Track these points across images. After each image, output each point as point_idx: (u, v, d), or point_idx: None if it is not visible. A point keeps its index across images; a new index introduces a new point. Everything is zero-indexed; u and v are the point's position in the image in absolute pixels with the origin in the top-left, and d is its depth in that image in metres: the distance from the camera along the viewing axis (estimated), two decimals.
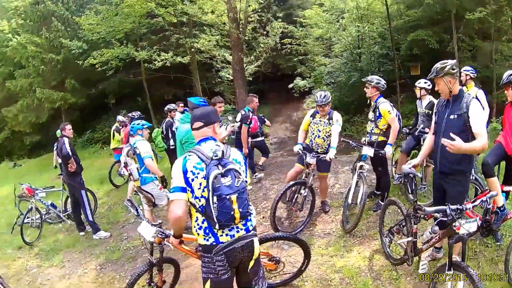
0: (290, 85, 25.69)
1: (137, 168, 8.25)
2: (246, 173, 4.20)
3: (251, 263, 4.23)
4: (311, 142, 8.28)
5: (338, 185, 10.21)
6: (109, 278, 7.69)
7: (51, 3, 25.77)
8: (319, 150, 8.18)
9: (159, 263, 5.55)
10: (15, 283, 8.02)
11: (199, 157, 3.94)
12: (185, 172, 3.91)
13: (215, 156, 3.88)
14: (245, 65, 20.07)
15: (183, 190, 3.92)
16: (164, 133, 12.36)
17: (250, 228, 4.14)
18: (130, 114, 12.45)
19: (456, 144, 4.51)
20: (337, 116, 8.02)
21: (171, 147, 12.04)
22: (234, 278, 4.29)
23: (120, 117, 14.73)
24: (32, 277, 8.29)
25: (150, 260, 5.49)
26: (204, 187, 3.85)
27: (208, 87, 26.48)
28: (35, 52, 24.98)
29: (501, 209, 6.06)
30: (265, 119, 12.30)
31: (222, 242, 3.95)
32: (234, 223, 3.88)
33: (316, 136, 8.18)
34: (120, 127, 14.48)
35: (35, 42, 25.02)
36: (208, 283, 4.08)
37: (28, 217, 10.30)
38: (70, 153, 9.44)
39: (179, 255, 6.73)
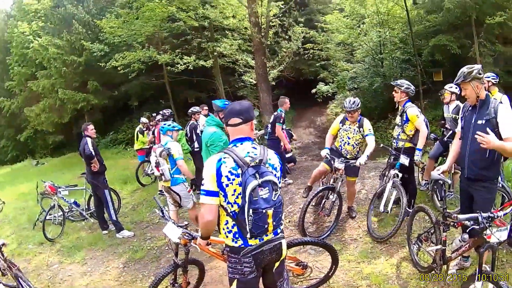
0: (313, 90, 25.61)
1: (168, 169, 8.25)
2: (280, 178, 4.01)
3: (277, 264, 4.13)
4: (340, 148, 8.27)
5: (364, 191, 10.11)
6: (132, 277, 7.68)
7: (72, 6, 26.16)
8: (348, 156, 8.17)
9: (184, 264, 5.53)
10: (35, 278, 8.05)
11: (235, 161, 3.68)
12: (219, 176, 3.67)
13: (252, 161, 3.67)
14: (268, 69, 20.05)
15: (216, 194, 3.71)
16: (189, 135, 12.41)
17: (279, 231, 3.98)
18: (161, 112, 12.61)
19: (489, 138, 4.49)
20: (368, 124, 8.03)
21: (195, 149, 12.09)
22: (261, 277, 4.19)
23: (143, 119, 14.94)
24: (53, 272, 8.32)
25: (175, 261, 5.48)
26: (239, 194, 3.65)
27: (231, 91, 26.57)
28: (57, 54, 25.27)
29: None
30: (293, 133, 12.48)
31: (251, 245, 3.82)
32: (266, 234, 3.79)
33: (345, 143, 8.17)
34: (144, 129, 14.66)
35: (56, 44, 25.31)
36: (234, 283, 3.99)
37: (50, 214, 10.39)
38: (93, 153, 9.47)
39: (204, 256, 6.72)
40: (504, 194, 7.09)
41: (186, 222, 5.73)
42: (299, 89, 27.22)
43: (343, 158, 8.04)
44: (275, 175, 3.83)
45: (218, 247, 5.36)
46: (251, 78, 23.43)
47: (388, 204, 7.73)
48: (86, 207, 11.43)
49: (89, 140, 9.60)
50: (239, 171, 3.66)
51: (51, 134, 30.39)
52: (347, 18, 24.67)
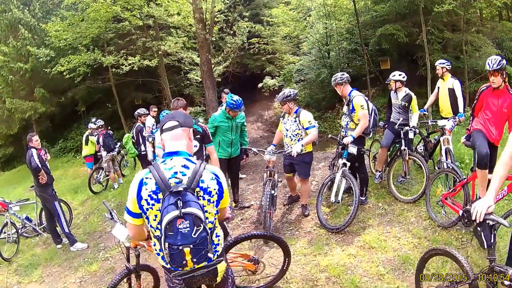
0: (260, 85, 25.59)
1: (152, 152, 8.73)
2: (219, 202, 3.45)
3: (217, 281, 3.72)
4: (284, 142, 8.27)
5: (315, 182, 10.19)
6: None
7: (18, 10, 25.53)
8: (289, 150, 7.96)
9: (136, 269, 5.28)
10: None
11: (157, 183, 3.20)
12: (139, 199, 3.25)
13: (177, 183, 3.16)
14: (213, 66, 19.91)
15: (136, 216, 3.38)
16: (135, 138, 12.19)
17: (214, 258, 3.54)
18: (93, 121, 12.40)
19: None
20: (306, 116, 7.89)
21: (142, 153, 11.90)
22: None
23: (91, 125, 14.71)
24: None
25: (127, 267, 5.23)
26: (160, 221, 3.13)
27: (177, 90, 26.21)
28: (3, 62, 24.86)
29: None
30: None
31: (180, 270, 3.41)
32: (186, 267, 3.31)
33: (285, 135, 8.17)
34: (93, 135, 14.42)
35: (3, 51, 24.83)
36: None
37: (4, 232, 9.98)
38: (39, 165, 9.17)
39: (158, 263, 6.46)
40: (455, 176, 7.07)
41: None
42: (245, 84, 27.14)
43: (273, 149, 8.08)
44: (208, 200, 3.34)
45: None
46: (197, 76, 23.34)
47: (339, 193, 7.73)
48: (39, 221, 11.08)
49: (34, 151, 9.31)
50: (160, 195, 3.19)
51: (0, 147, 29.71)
52: (293, 11, 24.59)
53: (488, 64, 6.01)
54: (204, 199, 3.28)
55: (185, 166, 3.31)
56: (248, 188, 10.78)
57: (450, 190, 6.89)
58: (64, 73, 21.63)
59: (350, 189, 8.12)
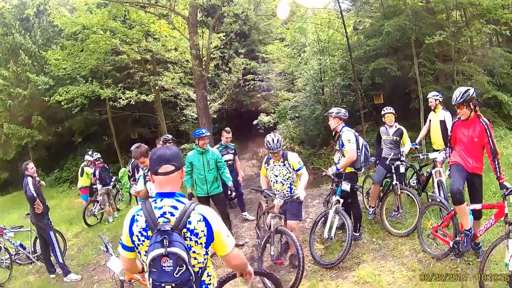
0: (255, 122, 25.49)
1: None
2: (209, 245, 3.44)
3: None
4: (271, 189, 8.01)
5: (309, 219, 10.20)
6: None
7: (19, 35, 25.63)
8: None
9: None
10: None
11: (146, 221, 3.30)
12: (131, 234, 3.39)
13: (164, 222, 3.23)
14: (209, 102, 20.01)
15: (130, 249, 3.49)
16: (131, 173, 12.21)
17: None
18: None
19: None
20: (294, 157, 7.76)
21: None
22: None
23: (88, 157, 14.79)
24: None
25: None
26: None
27: (173, 126, 26.28)
28: (3, 86, 24.89)
29: (469, 231, 6.13)
30: None
31: None
32: None
33: (274, 182, 7.91)
34: (88, 166, 14.49)
35: (3, 75, 24.92)
36: None
37: None
38: (35, 194, 9.20)
39: None
40: (442, 208, 7.28)
41: None
42: (241, 121, 27.22)
43: (282, 193, 7.64)
44: (196, 241, 3.35)
45: None
46: (193, 112, 23.44)
47: (332, 230, 7.77)
48: (32, 249, 11.04)
49: (30, 180, 9.36)
50: (150, 233, 3.28)
51: None
52: (288, 48, 24.89)
53: (453, 97, 6.14)
54: (191, 240, 3.32)
55: (174, 207, 3.37)
56: (243, 225, 10.79)
57: (440, 223, 6.97)
58: (62, 103, 21.62)
59: (344, 225, 8.17)
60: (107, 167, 14.56)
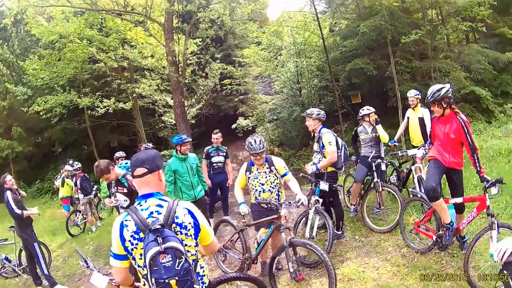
0: (234, 126, 25.50)
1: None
2: (197, 235, 3.58)
3: None
4: (256, 200, 7.21)
5: (290, 220, 10.10)
6: None
7: None
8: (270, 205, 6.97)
9: None
10: None
11: (136, 224, 3.35)
12: (122, 240, 3.39)
13: (154, 222, 3.28)
14: (186, 108, 19.99)
15: (122, 258, 3.48)
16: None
17: None
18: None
19: None
20: (279, 161, 7.17)
21: None
22: None
23: (67, 166, 14.68)
24: None
25: None
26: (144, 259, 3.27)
27: (152, 133, 26.29)
28: None
29: (450, 224, 6.23)
30: None
31: None
32: None
33: (260, 191, 7.13)
34: (69, 176, 14.38)
35: None
36: None
37: None
38: (19, 212, 9.04)
39: None
40: (423, 203, 7.38)
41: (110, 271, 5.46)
42: (219, 125, 27.16)
43: (287, 202, 6.69)
44: (186, 234, 3.47)
45: None
46: (171, 118, 23.45)
47: (313, 229, 7.77)
48: (18, 262, 10.90)
49: (9, 194, 9.15)
50: (142, 234, 3.32)
51: None
52: (265, 51, 24.93)
53: (426, 96, 6.24)
54: (181, 233, 3.41)
55: (159, 205, 3.46)
56: (225, 229, 10.74)
57: (422, 218, 7.03)
58: (41, 113, 21.58)
59: (325, 224, 8.20)
60: (87, 176, 14.43)
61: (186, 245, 3.40)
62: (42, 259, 9.26)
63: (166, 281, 3.15)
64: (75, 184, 14.01)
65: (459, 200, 6.23)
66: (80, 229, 14.23)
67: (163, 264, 3.15)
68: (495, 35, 21.18)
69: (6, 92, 24.61)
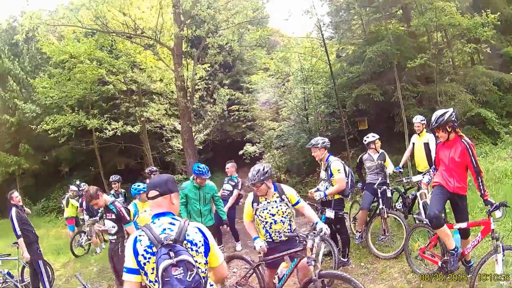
0: (240, 152, 25.33)
1: None
2: (207, 254, 3.72)
3: None
4: (267, 234, 6.57)
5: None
6: None
7: (8, 60, 25.70)
8: (282, 237, 6.53)
9: None
10: None
11: (150, 239, 3.50)
12: (136, 254, 3.52)
13: (166, 239, 3.42)
14: (194, 133, 20.09)
15: (135, 272, 3.55)
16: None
17: None
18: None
19: None
20: (290, 190, 6.66)
21: None
22: None
23: (73, 187, 14.78)
24: None
25: None
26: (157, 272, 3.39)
27: (159, 157, 26.22)
28: None
29: (455, 250, 6.19)
30: None
31: None
32: None
33: (271, 223, 6.49)
34: (74, 197, 14.42)
35: None
36: None
37: None
38: (19, 233, 8.96)
39: None
40: (428, 229, 7.26)
41: None
42: (226, 151, 27.22)
43: (315, 233, 6.13)
44: (196, 251, 3.62)
45: None
46: (178, 143, 23.51)
47: (318, 257, 7.70)
48: (20, 278, 10.77)
49: (14, 211, 9.12)
50: (154, 249, 3.47)
51: None
52: (272, 77, 25.03)
53: (431, 122, 6.24)
54: (192, 250, 3.54)
55: (171, 223, 3.63)
56: (236, 265, 10.72)
57: (427, 244, 7.01)
58: (49, 132, 21.60)
59: (331, 252, 8.17)
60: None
61: (196, 261, 3.48)
62: (46, 277, 9.23)
63: None
64: (81, 205, 14.02)
65: (463, 225, 6.21)
66: (85, 250, 14.20)
67: (175, 276, 3.25)
68: (500, 55, 21.16)
69: (15, 109, 24.66)
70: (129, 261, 3.55)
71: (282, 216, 6.45)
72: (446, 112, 6.07)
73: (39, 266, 9.17)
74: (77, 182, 15.45)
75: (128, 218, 7.39)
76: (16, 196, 9.46)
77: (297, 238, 6.07)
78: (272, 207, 6.43)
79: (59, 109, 22.60)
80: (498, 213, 5.75)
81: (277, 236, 6.49)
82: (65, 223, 16.09)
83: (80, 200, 14.21)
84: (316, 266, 5.77)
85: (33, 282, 9.56)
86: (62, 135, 22.28)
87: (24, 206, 10.34)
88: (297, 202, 6.53)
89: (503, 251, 5.64)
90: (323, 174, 8.37)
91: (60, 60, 21.36)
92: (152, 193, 3.76)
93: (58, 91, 21.20)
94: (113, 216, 7.35)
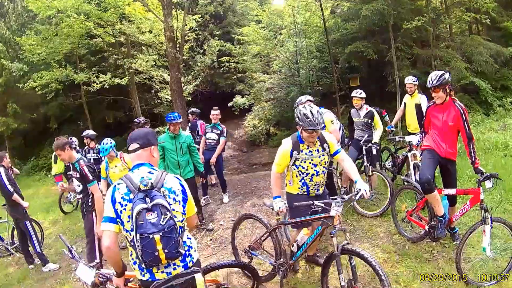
0: (230, 104, 25.38)
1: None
2: (185, 203, 3.81)
3: None
4: (304, 186, 5.93)
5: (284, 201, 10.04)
6: None
7: None
8: (319, 192, 6.05)
9: None
10: None
11: (127, 186, 3.61)
12: (113, 202, 3.62)
13: (144, 185, 3.50)
14: (183, 85, 19.91)
15: (113, 220, 3.63)
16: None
17: (190, 264, 3.80)
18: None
19: None
20: (329, 136, 6.02)
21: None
22: None
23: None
24: None
25: None
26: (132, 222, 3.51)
27: (147, 109, 26.04)
28: None
29: (443, 217, 6.18)
30: None
31: (158, 279, 3.66)
32: (161, 264, 3.54)
33: (313, 174, 5.84)
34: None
35: None
36: None
37: None
38: (11, 189, 8.98)
39: None
40: (416, 192, 7.20)
41: (97, 261, 5.36)
42: (215, 103, 27.08)
43: (339, 200, 5.25)
44: (174, 199, 3.72)
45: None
46: (167, 95, 23.28)
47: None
48: (11, 241, 10.75)
49: (2, 170, 9.09)
50: (131, 196, 3.56)
51: None
52: (264, 30, 24.66)
53: (429, 80, 6.12)
54: (169, 197, 3.66)
55: (150, 173, 3.77)
56: (218, 208, 10.71)
57: (414, 207, 6.97)
58: (37, 89, 21.49)
59: None
60: (81, 152, 14.29)
61: (173, 209, 3.62)
62: (34, 236, 9.18)
63: (151, 236, 3.36)
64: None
65: (452, 191, 6.18)
66: (73, 206, 14.14)
67: (149, 220, 3.38)
68: (499, 28, 20.98)
69: (2, 69, 24.24)
70: (108, 210, 3.64)
71: (324, 167, 5.91)
72: (445, 73, 6.01)
73: (27, 227, 9.14)
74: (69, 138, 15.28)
75: (91, 178, 7.13)
76: (6, 158, 9.43)
77: (312, 206, 5.34)
78: (315, 157, 5.80)
79: (46, 65, 22.36)
80: (488, 184, 5.71)
81: (315, 189, 5.97)
82: (54, 180, 15.97)
83: None
84: (344, 238, 5.21)
85: (22, 243, 9.56)
86: (50, 91, 22.11)
87: (12, 167, 10.27)
88: (337, 152, 5.85)
89: (491, 222, 5.62)
90: None
91: (47, 16, 21.00)
92: (133, 146, 3.88)
93: (45, 48, 20.90)
94: (78, 175, 7.19)
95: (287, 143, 5.80)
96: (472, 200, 5.93)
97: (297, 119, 5.57)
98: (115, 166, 8.88)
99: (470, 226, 5.88)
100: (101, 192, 7.38)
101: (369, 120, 9.31)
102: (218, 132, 11.50)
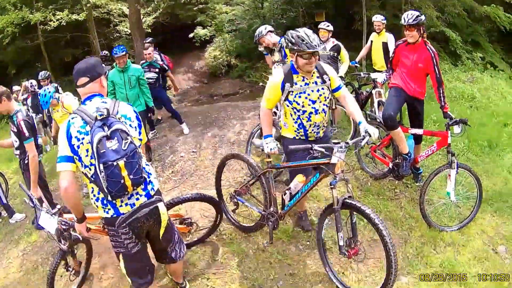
0: (191, 35, 25.04)
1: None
2: (140, 129, 3.88)
3: (162, 231, 4.02)
4: (301, 128, 5.14)
5: (244, 131, 10.10)
6: (32, 264, 7.13)
7: None
8: (320, 133, 5.26)
9: (69, 248, 5.01)
10: None
11: (82, 119, 3.51)
12: (69, 138, 3.52)
13: (100, 115, 3.42)
14: (142, 16, 19.54)
15: (69, 159, 3.55)
16: None
17: (152, 192, 3.83)
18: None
19: None
20: (330, 69, 5.21)
21: None
22: (149, 246, 4.18)
23: (16, 87, 14.06)
24: None
25: (60, 248, 4.93)
26: (92, 154, 3.43)
27: (106, 43, 25.35)
28: None
29: (408, 155, 6.24)
30: None
31: (123, 214, 3.68)
32: (127, 192, 3.52)
33: (310, 113, 5.01)
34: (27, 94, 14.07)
35: None
36: (121, 258, 3.94)
37: None
38: None
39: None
40: (381, 127, 7.05)
41: (58, 206, 5.28)
42: (176, 35, 26.74)
43: (343, 145, 4.52)
44: (130, 125, 3.72)
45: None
46: (126, 28, 22.93)
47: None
48: None
49: None
50: (88, 128, 3.48)
51: None
52: None
53: (404, 18, 6.04)
54: (125, 123, 3.64)
55: (103, 102, 3.68)
56: (178, 139, 10.57)
57: (378, 143, 6.99)
58: None
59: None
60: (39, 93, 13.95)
61: (131, 136, 3.57)
62: None
63: (115, 163, 3.34)
64: (24, 102, 13.52)
65: (419, 131, 6.27)
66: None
67: (110, 148, 3.35)
68: None
69: None
70: (63, 149, 3.57)
71: (324, 104, 5.06)
72: (421, 14, 5.97)
73: None
74: (26, 82, 14.77)
75: (27, 134, 6.54)
76: None
77: (310, 150, 4.64)
78: (312, 91, 4.94)
79: (1, 10, 21.51)
80: (456, 129, 5.77)
81: (314, 132, 5.15)
82: None
83: (26, 97, 13.86)
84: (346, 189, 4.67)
85: None
86: (6, 36, 21.18)
87: None
88: (338, 88, 5.08)
89: (457, 167, 5.71)
90: (276, 56, 7.91)
91: None
92: (82, 80, 3.69)
93: None
94: (14, 129, 6.73)
95: (278, 74, 5.00)
96: (440, 143, 6.01)
97: (290, 44, 4.75)
98: (57, 111, 8.80)
99: (435, 169, 5.98)
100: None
101: (335, 54, 9.26)
102: (157, 69, 11.10)
